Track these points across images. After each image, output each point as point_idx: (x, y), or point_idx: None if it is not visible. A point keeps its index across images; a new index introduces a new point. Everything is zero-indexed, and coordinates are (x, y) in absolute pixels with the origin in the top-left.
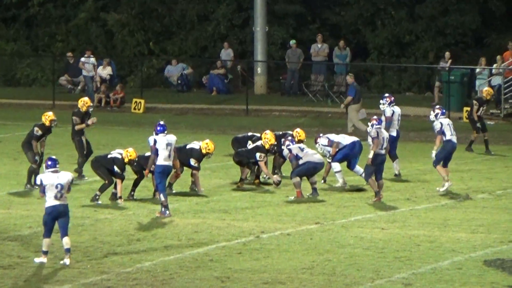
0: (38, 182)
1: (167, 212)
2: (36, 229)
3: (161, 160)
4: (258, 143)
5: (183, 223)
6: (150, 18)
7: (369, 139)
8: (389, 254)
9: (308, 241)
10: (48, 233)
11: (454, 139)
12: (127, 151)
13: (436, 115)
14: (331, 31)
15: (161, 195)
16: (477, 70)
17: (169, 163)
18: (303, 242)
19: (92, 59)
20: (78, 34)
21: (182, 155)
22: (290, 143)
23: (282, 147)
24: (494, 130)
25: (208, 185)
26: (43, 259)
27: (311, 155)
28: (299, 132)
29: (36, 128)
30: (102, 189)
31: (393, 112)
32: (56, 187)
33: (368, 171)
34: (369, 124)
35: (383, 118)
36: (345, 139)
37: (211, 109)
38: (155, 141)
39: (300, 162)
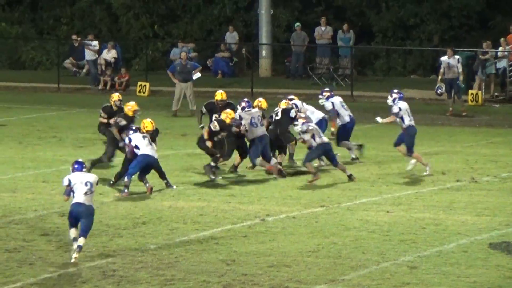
0: (65, 182)
1: (126, 191)
2: (42, 212)
3: (144, 150)
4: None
5: (188, 206)
6: (155, 1)
7: (302, 134)
8: (395, 237)
9: (313, 224)
10: (72, 226)
11: (413, 123)
12: (143, 122)
13: (394, 100)
14: (336, 14)
15: (126, 178)
16: (487, 55)
17: (151, 153)
18: (308, 225)
19: (95, 43)
20: (83, 17)
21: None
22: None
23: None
24: (499, 113)
25: None
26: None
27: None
28: (261, 101)
29: (120, 118)
30: (118, 176)
31: (332, 104)
32: (86, 184)
33: (309, 157)
34: (299, 123)
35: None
36: (314, 115)
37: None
38: (129, 139)
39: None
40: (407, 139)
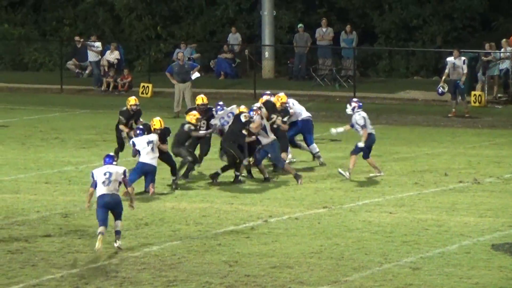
0: (91, 176)
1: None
2: (44, 214)
3: (143, 158)
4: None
5: (191, 208)
6: (158, 2)
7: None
8: (397, 238)
9: (316, 225)
10: (102, 222)
11: (373, 131)
12: (152, 120)
13: (353, 109)
14: (339, 15)
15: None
16: (490, 56)
17: (150, 161)
18: (311, 226)
19: (98, 44)
20: (85, 18)
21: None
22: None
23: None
24: (502, 114)
25: (215, 169)
26: (98, 244)
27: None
28: (280, 96)
29: (188, 125)
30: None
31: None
32: (105, 174)
33: (260, 158)
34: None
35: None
36: (301, 114)
37: (219, 93)
38: (133, 144)
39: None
40: (366, 145)
